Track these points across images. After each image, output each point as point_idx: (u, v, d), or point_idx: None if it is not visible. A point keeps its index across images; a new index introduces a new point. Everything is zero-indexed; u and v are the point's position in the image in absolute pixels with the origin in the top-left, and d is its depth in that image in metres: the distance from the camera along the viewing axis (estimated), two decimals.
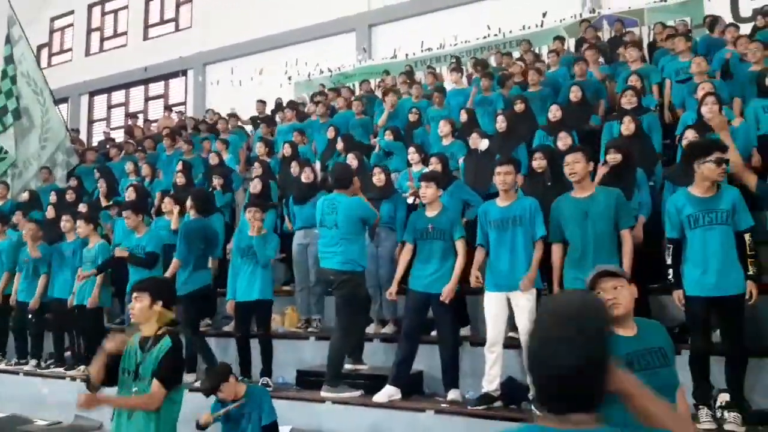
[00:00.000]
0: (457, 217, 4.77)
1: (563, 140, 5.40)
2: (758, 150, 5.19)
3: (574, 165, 3.92)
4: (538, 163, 4.89)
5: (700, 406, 3.58)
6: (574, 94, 6.60)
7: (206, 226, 5.68)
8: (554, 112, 6.18)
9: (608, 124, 5.89)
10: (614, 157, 4.64)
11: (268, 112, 10.68)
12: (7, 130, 9.48)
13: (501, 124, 6.29)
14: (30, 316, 6.54)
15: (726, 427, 3.46)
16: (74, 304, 6.14)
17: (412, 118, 7.40)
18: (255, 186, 6.45)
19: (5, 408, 6.35)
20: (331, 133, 7.69)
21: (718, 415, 3.56)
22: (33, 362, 6.62)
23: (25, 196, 8.78)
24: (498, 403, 4.20)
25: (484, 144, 5.96)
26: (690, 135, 4.76)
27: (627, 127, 5.34)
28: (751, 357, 3.70)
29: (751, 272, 3.54)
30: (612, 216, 3.90)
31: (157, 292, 3.14)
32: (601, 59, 7.87)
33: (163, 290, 3.24)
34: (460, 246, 4.53)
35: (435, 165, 5.38)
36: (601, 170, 4.83)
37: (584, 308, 1.42)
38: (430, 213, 4.62)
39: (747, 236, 3.58)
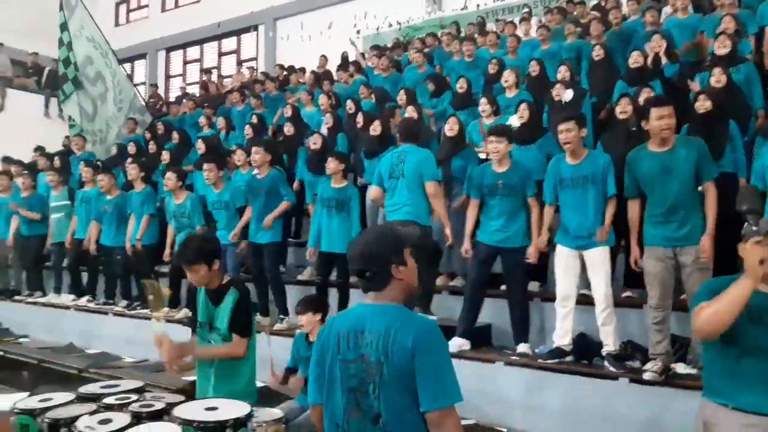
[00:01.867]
0: (531, 174, 4.60)
1: (646, 93, 5.14)
2: None
3: (669, 120, 3.66)
4: (623, 108, 4.75)
5: None
6: (656, 43, 6.21)
7: (277, 177, 5.82)
8: (636, 59, 5.86)
9: (700, 76, 5.55)
10: (703, 104, 4.38)
11: (331, 66, 10.62)
12: (69, 97, 9.61)
13: (565, 73, 6.04)
14: (119, 257, 6.92)
15: None
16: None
17: (491, 69, 7.15)
18: (315, 141, 6.45)
19: (96, 345, 6.85)
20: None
21: None
22: (123, 303, 7.05)
23: (113, 150, 9.19)
24: (569, 358, 4.17)
25: (568, 95, 5.71)
26: None
27: (717, 79, 5.01)
28: None
29: None
30: (694, 169, 3.67)
31: (207, 257, 3.15)
32: (690, 8, 7.36)
33: (208, 251, 3.20)
34: (534, 203, 4.45)
35: (523, 111, 5.18)
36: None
37: (391, 229, 2.10)
38: (500, 169, 4.52)
39: None
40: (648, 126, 3.75)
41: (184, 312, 6.21)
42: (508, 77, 6.29)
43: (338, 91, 8.72)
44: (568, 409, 3.95)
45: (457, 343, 4.49)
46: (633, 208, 3.92)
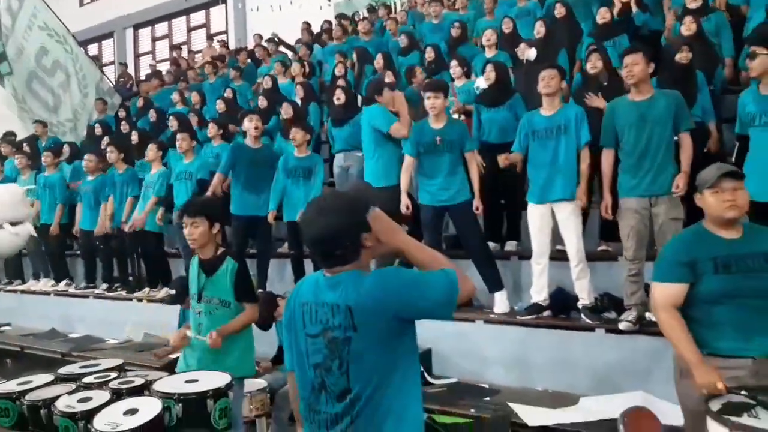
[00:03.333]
0: (467, 132, 4.57)
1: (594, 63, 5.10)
2: None
3: (633, 67, 3.68)
4: (593, 63, 4.74)
5: None
6: None
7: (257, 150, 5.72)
8: (603, 15, 5.84)
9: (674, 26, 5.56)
10: (686, 56, 4.41)
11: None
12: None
13: (539, 29, 5.97)
14: (98, 242, 6.86)
15: None
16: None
17: (455, 33, 7.12)
18: (286, 111, 6.39)
19: (78, 329, 6.82)
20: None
21: None
22: (104, 286, 7.01)
23: (83, 135, 9.03)
24: (547, 313, 4.23)
25: (532, 53, 5.69)
26: None
27: (688, 27, 5.04)
28: None
29: None
30: (671, 120, 3.69)
31: (210, 215, 3.21)
32: None
33: (215, 210, 3.34)
34: (471, 157, 4.48)
35: (489, 73, 5.11)
36: None
37: (344, 194, 1.89)
38: (437, 125, 4.46)
39: None
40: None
41: (165, 291, 6.19)
42: (490, 36, 6.23)
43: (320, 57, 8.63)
44: (548, 362, 4.03)
45: None
46: (607, 157, 3.92)
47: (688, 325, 2.34)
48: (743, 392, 2.13)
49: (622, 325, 3.78)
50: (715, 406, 2.15)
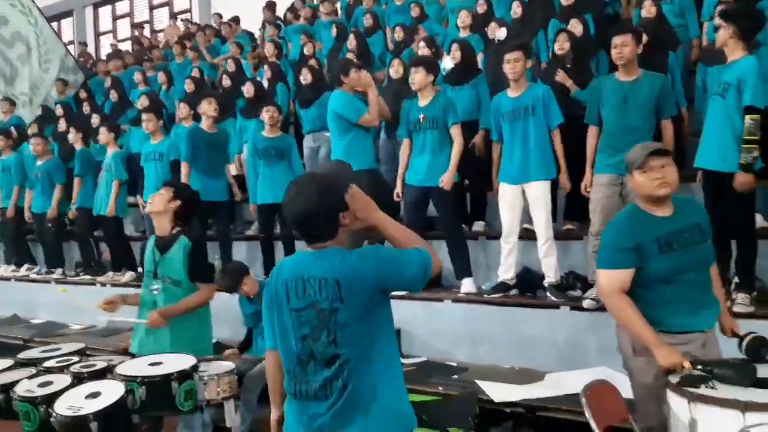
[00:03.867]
0: (451, 103, 4.48)
1: (575, 28, 5.16)
2: None
3: (623, 48, 3.66)
4: (560, 44, 4.75)
5: None
6: None
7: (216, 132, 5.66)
8: None
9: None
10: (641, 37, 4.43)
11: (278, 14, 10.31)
12: None
13: (516, 9, 5.99)
14: (50, 225, 6.68)
15: (735, 308, 3.46)
16: (94, 214, 6.26)
17: (414, 13, 7.07)
18: (249, 89, 6.27)
19: (41, 315, 6.67)
20: (334, 31, 7.43)
21: (732, 297, 3.58)
22: (59, 271, 6.85)
23: (38, 111, 8.75)
24: (514, 291, 4.28)
25: (502, 33, 5.66)
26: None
27: (648, 10, 5.08)
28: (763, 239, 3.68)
29: (741, 160, 3.30)
30: (653, 104, 3.70)
31: (180, 193, 3.26)
32: None
33: (186, 193, 3.34)
34: (455, 132, 4.36)
35: (455, 52, 5.08)
36: None
37: (324, 174, 1.96)
38: (422, 102, 4.42)
39: (747, 117, 3.28)
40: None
41: (130, 275, 6.08)
42: (464, 18, 6.20)
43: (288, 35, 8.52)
44: (514, 340, 4.08)
45: None
46: (592, 134, 3.94)
47: (638, 306, 2.36)
48: (699, 366, 2.19)
49: (585, 303, 3.85)
50: (675, 379, 2.21)
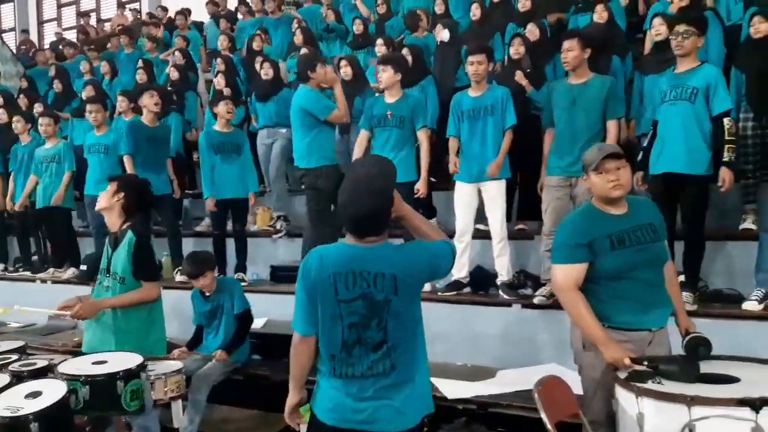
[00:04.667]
0: (421, 105, 4.51)
1: (532, 32, 5.26)
2: (725, 42, 5.06)
3: (567, 53, 3.78)
4: (516, 49, 4.82)
5: None
6: None
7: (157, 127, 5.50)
8: (523, 2, 5.97)
9: (573, 18, 5.78)
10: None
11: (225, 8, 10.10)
12: None
13: (475, 11, 6.05)
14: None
15: None
16: (39, 206, 5.99)
17: (380, 9, 7.09)
18: (219, 82, 6.20)
19: None
20: (294, 27, 7.34)
21: None
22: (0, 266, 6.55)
23: None
24: (467, 290, 4.32)
25: (445, 35, 5.70)
26: (657, 23, 4.56)
27: (600, 15, 5.22)
28: (711, 240, 3.80)
29: (726, 158, 3.44)
30: (601, 105, 3.80)
31: (124, 185, 3.20)
32: None
33: (129, 184, 3.25)
34: (423, 135, 4.40)
35: (406, 56, 5.14)
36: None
37: (380, 173, 2.03)
38: (390, 99, 4.42)
39: (726, 120, 3.43)
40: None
41: (72, 271, 5.85)
42: (423, 17, 6.23)
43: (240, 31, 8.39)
44: (467, 338, 4.12)
45: None
46: (548, 136, 4.02)
47: (588, 300, 2.42)
48: (645, 362, 2.25)
49: (536, 300, 3.93)
50: (623, 374, 2.27)
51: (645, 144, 3.73)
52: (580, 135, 3.80)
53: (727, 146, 3.43)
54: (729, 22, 5.18)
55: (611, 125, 3.84)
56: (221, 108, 5.15)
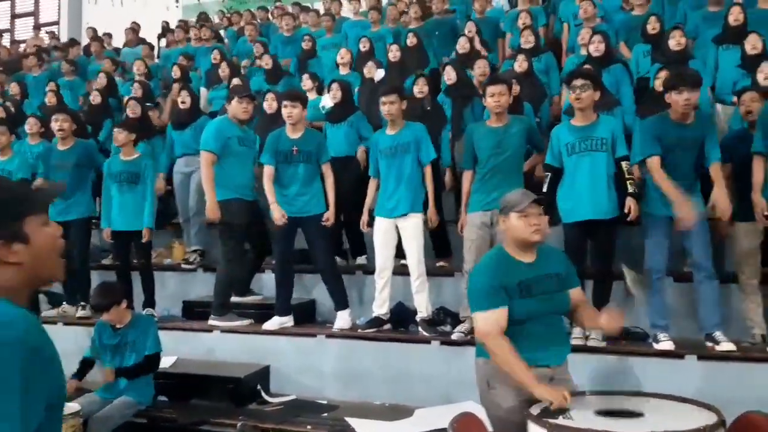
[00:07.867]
0: (324, 141, 4.63)
1: (448, 74, 5.41)
2: (635, 91, 5.40)
3: (500, 97, 3.89)
4: (420, 88, 5.00)
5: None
6: (468, 31, 6.56)
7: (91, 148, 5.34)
8: (463, 45, 6.13)
9: (506, 63, 6.03)
10: (514, 89, 4.75)
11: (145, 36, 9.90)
12: None
13: (395, 53, 6.18)
14: None
15: (589, 343, 3.74)
16: None
17: (305, 45, 7.14)
18: (133, 109, 5.95)
19: None
20: (216, 58, 7.25)
21: (586, 333, 3.80)
22: None
23: None
24: (387, 326, 4.28)
25: (379, 74, 5.84)
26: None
27: (520, 64, 5.46)
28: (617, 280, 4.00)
29: (630, 190, 3.68)
30: (524, 144, 4.03)
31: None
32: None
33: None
34: (327, 170, 4.49)
35: (336, 92, 5.18)
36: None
37: None
38: (294, 135, 4.43)
39: (624, 163, 3.72)
40: (485, 102, 4.02)
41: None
42: (344, 55, 6.29)
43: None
44: (386, 376, 4.07)
45: (276, 322, 4.40)
46: (467, 178, 4.12)
47: None
48: (586, 391, 2.32)
49: (455, 336, 3.95)
50: (535, 411, 2.29)
51: (545, 190, 3.84)
52: (505, 173, 3.91)
53: (628, 182, 3.72)
54: (637, 74, 5.53)
55: (537, 158, 4.20)
56: (118, 136, 5.00)
